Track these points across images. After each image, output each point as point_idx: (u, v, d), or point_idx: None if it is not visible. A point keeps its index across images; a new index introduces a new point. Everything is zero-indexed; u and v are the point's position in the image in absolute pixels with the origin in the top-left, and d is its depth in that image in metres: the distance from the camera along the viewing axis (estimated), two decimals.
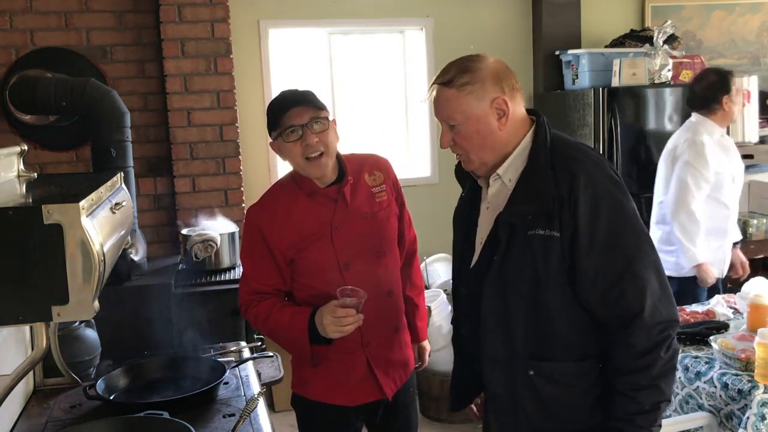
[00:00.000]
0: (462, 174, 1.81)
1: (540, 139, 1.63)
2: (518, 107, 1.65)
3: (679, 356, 2.52)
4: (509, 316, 1.62)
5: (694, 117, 3.36)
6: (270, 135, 1.97)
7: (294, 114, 1.89)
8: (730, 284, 3.73)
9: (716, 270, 3.31)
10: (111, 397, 2.00)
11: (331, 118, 1.98)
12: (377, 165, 2.12)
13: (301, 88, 1.99)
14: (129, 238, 2.82)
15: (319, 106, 1.93)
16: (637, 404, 1.55)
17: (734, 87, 3.29)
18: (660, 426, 1.59)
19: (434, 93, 1.65)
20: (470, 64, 1.61)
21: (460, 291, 1.82)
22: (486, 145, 1.63)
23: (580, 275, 1.55)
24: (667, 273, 1.69)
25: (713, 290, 3.38)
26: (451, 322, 1.93)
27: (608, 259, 1.54)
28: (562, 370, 1.62)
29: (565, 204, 1.54)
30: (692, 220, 3.19)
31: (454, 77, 1.60)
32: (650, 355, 1.54)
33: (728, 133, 4.11)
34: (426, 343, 2.33)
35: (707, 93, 3.28)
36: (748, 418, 2.18)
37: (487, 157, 1.65)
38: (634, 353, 1.54)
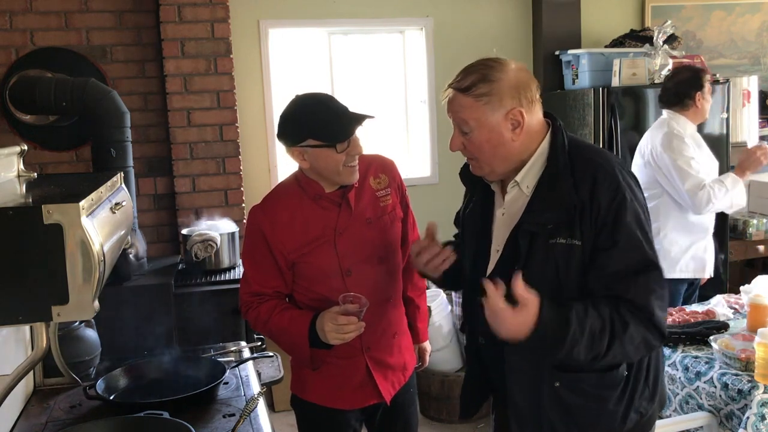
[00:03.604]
0: (469, 176, 1.77)
1: (558, 144, 1.60)
2: (535, 117, 1.62)
3: (679, 356, 2.52)
4: None
5: (666, 114, 3.34)
6: (303, 141, 1.90)
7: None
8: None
9: (699, 268, 3.30)
10: (111, 397, 2.00)
11: None
12: (383, 167, 2.11)
13: (323, 93, 1.99)
14: (129, 238, 2.82)
15: (369, 115, 1.93)
16: (599, 327, 1.48)
17: (707, 84, 3.28)
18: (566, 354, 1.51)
19: (450, 96, 1.62)
20: (491, 73, 1.57)
21: (475, 300, 1.76)
22: (496, 154, 1.61)
23: (592, 268, 1.53)
24: None
25: (692, 293, 3.39)
26: (461, 329, 1.91)
27: (625, 259, 1.52)
28: (587, 380, 1.60)
29: (587, 210, 1.52)
30: (710, 186, 3.10)
31: (472, 85, 1.57)
32: (642, 326, 1.51)
33: (727, 130, 4.13)
34: (427, 344, 2.33)
35: (680, 89, 3.27)
36: (748, 418, 2.18)
37: (497, 166, 1.63)
38: (634, 311, 1.51)
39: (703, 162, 3.24)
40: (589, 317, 1.49)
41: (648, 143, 3.31)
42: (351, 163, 1.92)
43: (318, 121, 1.89)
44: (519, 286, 1.46)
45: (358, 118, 1.90)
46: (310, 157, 1.92)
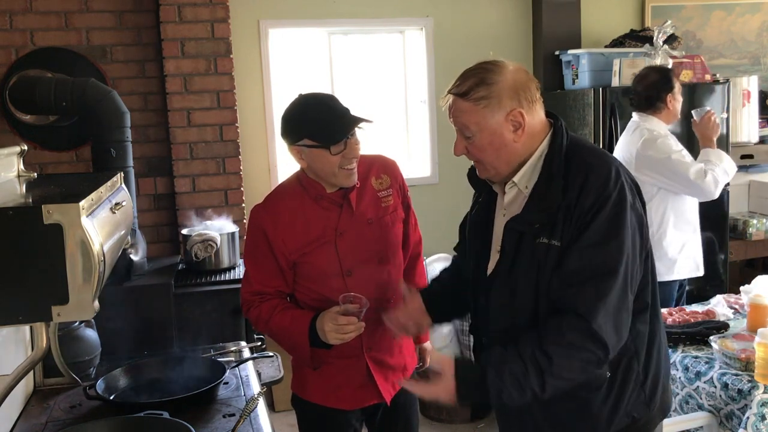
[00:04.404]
0: (476, 178, 1.76)
1: (556, 145, 1.59)
2: (536, 117, 1.61)
3: (679, 356, 2.52)
4: (516, 327, 1.59)
5: (638, 117, 3.32)
6: (300, 141, 1.90)
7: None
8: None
9: (694, 267, 3.31)
10: (111, 397, 2.00)
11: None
12: (385, 168, 2.11)
13: (326, 93, 1.99)
14: (129, 238, 2.82)
15: (367, 119, 1.92)
16: (520, 369, 1.48)
17: (677, 84, 3.28)
18: (502, 403, 1.52)
19: (449, 101, 1.62)
20: (488, 76, 1.57)
21: (479, 300, 1.77)
22: (500, 157, 1.60)
23: (559, 263, 1.52)
24: None
25: (681, 294, 3.39)
26: (469, 330, 1.92)
27: (585, 257, 1.50)
28: None
29: (571, 211, 1.51)
30: (708, 168, 3.14)
31: (470, 90, 1.57)
32: (569, 351, 1.48)
33: (727, 130, 4.13)
34: (428, 344, 2.32)
35: (651, 92, 3.26)
36: (748, 418, 2.18)
37: (501, 168, 1.63)
38: (557, 339, 1.48)
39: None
40: (508, 363, 1.49)
41: (630, 150, 3.26)
42: (348, 166, 1.91)
43: (314, 121, 1.89)
44: (428, 359, 1.64)
45: (354, 121, 1.89)
46: (307, 157, 1.92)
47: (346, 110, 1.92)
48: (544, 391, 1.50)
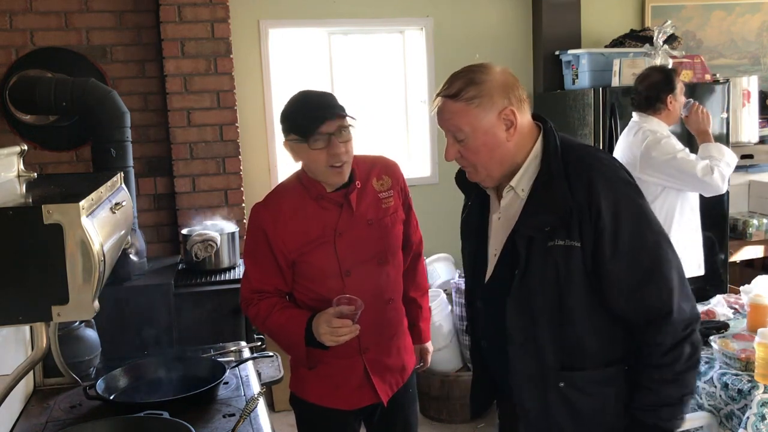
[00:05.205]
0: (464, 181, 1.76)
1: (550, 146, 1.60)
2: (525, 117, 1.62)
3: None
4: (536, 330, 1.59)
5: (639, 117, 3.30)
6: (287, 135, 1.93)
7: (327, 124, 1.86)
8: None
9: (696, 266, 3.31)
10: (111, 397, 2.00)
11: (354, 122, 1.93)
12: (386, 169, 2.11)
13: (321, 90, 1.98)
14: (129, 238, 2.82)
15: (348, 114, 1.90)
16: (659, 397, 1.55)
17: (679, 85, 3.26)
18: (683, 419, 1.59)
19: (439, 105, 1.62)
20: (477, 76, 1.57)
21: (476, 305, 1.78)
22: (494, 157, 1.60)
23: (607, 281, 1.54)
24: None
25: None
26: (466, 331, 1.92)
27: (633, 261, 1.52)
28: (589, 378, 1.61)
29: (585, 213, 1.51)
30: (713, 164, 3.15)
31: (460, 90, 1.57)
32: (675, 351, 1.53)
33: (727, 130, 4.14)
34: (429, 345, 2.32)
35: (651, 93, 3.24)
36: (748, 418, 2.18)
37: (494, 170, 1.62)
38: (661, 351, 1.54)
39: None
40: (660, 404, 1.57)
41: (633, 152, 3.24)
42: (335, 164, 1.90)
43: (294, 115, 1.90)
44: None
45: (327, 114, 1.86)
46: (294, 152, 1.94)
47: (326, 104, 1.90)
48: (689, 386, 1.58)
